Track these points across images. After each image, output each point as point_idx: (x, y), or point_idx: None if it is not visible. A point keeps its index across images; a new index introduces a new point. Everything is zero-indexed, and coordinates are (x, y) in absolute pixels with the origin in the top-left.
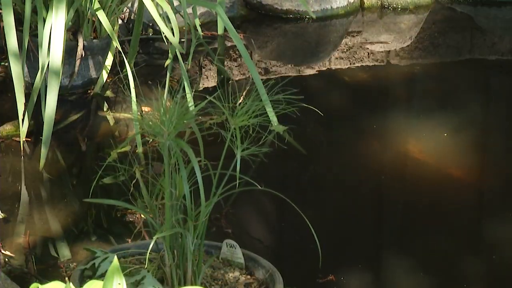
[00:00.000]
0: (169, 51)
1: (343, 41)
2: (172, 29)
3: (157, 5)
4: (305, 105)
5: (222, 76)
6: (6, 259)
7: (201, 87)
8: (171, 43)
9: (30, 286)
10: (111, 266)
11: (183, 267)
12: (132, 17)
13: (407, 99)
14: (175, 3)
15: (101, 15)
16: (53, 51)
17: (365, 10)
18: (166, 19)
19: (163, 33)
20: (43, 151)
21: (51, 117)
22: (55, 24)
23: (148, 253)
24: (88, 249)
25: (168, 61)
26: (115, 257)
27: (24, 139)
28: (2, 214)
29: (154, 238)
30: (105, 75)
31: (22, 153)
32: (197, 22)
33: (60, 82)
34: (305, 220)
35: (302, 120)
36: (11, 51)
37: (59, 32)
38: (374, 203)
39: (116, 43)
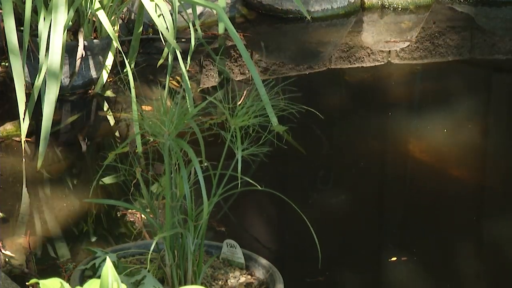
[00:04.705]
0: (164, 50)
1: (344, 41)
2: (172, 29)
3: (156, 5)
4: (305, 107)
5: (222, 76)
6: (6, 259)
7: (201, 87)
8: (167, 43)
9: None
10: (105, 267)
11: (183, 267)
12: (132, 17)
13: (408, 99)
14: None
15: (102, 15)
16: (52, 51)
17: (366, 10)
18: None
19: (161, 33)
20: (41, 151)
21: (49, 117)
22: (55, 24)
23: (150, 254)
24: (88, 249)
25: (161, 61)
26: (107, 257)
27: (24, 139)
28: (1, 214)
29: (155, 239)
30: (105, 75)
31: (23, 153)
32: (197, 22)
33: (61, 82)
34: (305, 220)
35: (302, 120)
36: (11, 51)
37: (59, 33)
38: (375, 202)
39: (116, 43)
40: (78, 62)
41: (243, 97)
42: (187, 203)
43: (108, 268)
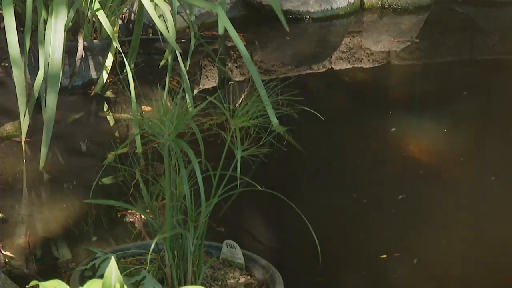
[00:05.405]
0: (166, 51)
1: (344, 41)
2: (171, 30)
3: (156, 6)
4: (305, 108)
5: (222, 77)
6: (6, 260)
7: (201, 87)
8: (168, 43)
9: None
10: (108, 267)
11: (183, 267)
12: (132, 18)
13: (408, 100)
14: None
15: (101, 16)
16: (53, 52)
17: (365, 10)
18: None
19: (161, 33)
20: (43, 152)
21: (50, 118)
22: (55, 25)
23: (149, 254)
24: (88, 250)
25: (162, 61)
26: (113, 257)
27: (24, 140)
28: (1, 214)
29: (155, 239)
30: (105, 75)
31: (23, 154)
32: (192, 19)
33: (60, 82)
34: (305, 220)
35: (302, 121)
36: (12, 51)
37: (59, 34)
38: (374, 203)
39: (116, 44)
40: (78, 62)
41: (242, 97)
42: (187, 204)
43: (112, 269)
